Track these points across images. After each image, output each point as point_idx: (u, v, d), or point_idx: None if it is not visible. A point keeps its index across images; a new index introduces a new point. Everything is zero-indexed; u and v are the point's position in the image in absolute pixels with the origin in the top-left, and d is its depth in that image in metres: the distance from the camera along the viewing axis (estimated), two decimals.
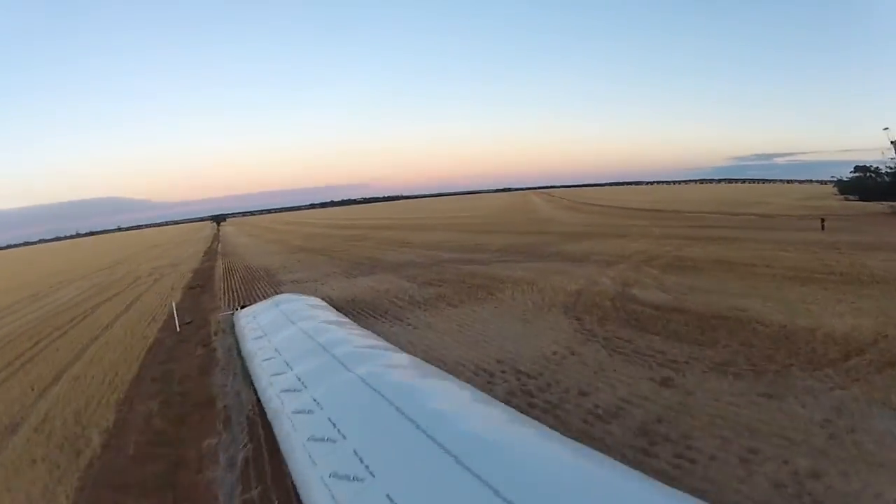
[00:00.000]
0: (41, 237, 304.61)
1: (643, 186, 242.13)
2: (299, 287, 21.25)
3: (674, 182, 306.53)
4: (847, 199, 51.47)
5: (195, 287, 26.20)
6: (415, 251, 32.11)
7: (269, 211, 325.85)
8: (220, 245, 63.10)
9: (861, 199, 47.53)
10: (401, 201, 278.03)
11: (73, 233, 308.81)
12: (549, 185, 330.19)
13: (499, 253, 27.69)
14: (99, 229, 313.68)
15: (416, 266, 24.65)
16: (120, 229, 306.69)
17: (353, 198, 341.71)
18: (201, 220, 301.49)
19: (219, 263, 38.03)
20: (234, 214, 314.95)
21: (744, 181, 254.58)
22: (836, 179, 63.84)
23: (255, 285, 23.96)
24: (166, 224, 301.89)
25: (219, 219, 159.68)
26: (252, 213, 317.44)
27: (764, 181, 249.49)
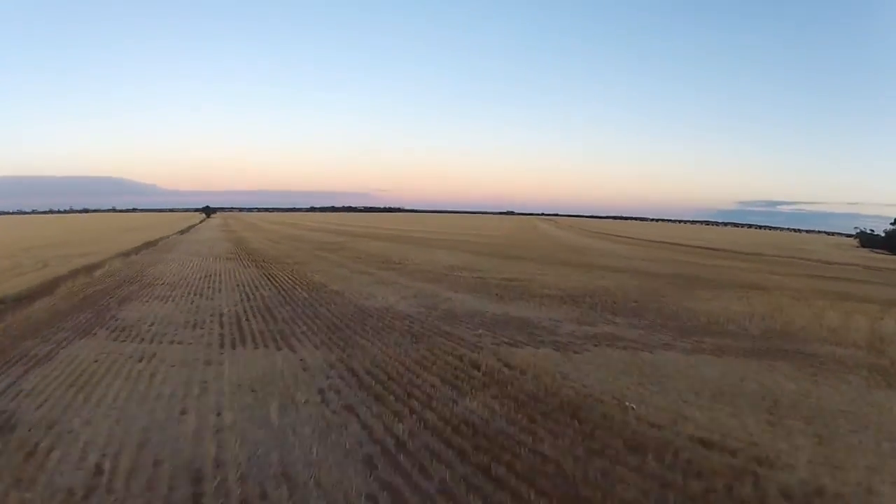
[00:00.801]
0: (34, 209, 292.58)
1: (651, 223, 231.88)
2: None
3: (681, 221, 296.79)
4: (872, 252, 55.31)
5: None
6: (407, 279, 20.19)
7: (270, 209, 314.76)
8: (176, 236, 51.01)
9: (892, 253, 52.20)
10: (401, 213, 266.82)
11: (68, 208, 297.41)
12: (552, 212, 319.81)
13: (569, 305, 15.44)
14: (93, 208, 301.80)
15: (391, 329, 11.60)
16: (115, 210, 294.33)
17: (353, 205, 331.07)
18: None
19: (133, 259, 26.04)
20: (234, 209, 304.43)
21: (749, 226, 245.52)
22: (858, 232, 71.81)
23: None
24: (168, 210, 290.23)
25: (208, 211, 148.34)
26: (252, 210, 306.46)
27: (769, 227, 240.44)
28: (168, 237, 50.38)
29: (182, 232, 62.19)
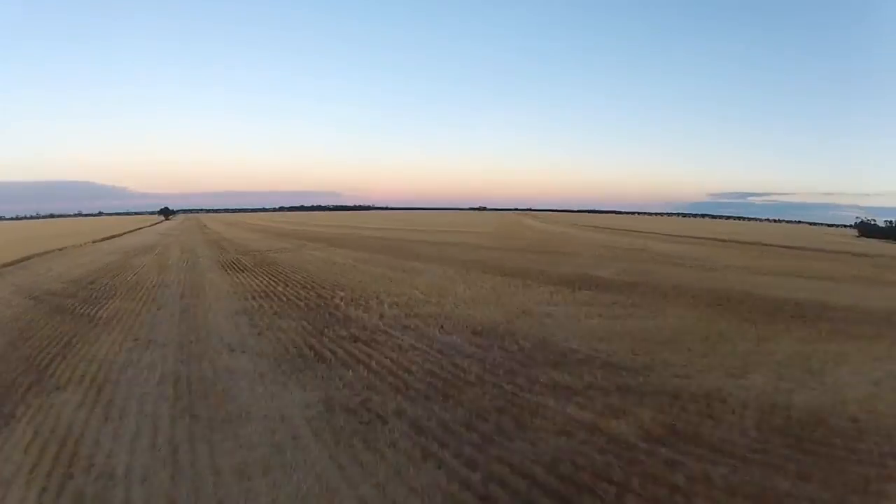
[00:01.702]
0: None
1: (626, 216, 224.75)
2: None
3: (656, 214, 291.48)
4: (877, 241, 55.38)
5: None
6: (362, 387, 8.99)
7: (240, 210, 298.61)
8: (93, 245, 38.55)
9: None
10: (372, 211, 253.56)
11: (34, 213, 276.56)
12: (525, 207, 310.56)
13: None
14: (59, 213, 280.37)
15: None
16: (81, 214, 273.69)
17: (323, 204, 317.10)
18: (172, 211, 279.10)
19: None
20: (203, 210, 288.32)
21: (727, 217, 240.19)
22: (859, 222, 73.75)
23: None
24: (135, 213, 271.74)
25: (167, 212, 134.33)
26: (220, 211, 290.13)
27: (745, 219, 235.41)
28: (82, 245, 38.55)
29: (107, 238, 49.62)
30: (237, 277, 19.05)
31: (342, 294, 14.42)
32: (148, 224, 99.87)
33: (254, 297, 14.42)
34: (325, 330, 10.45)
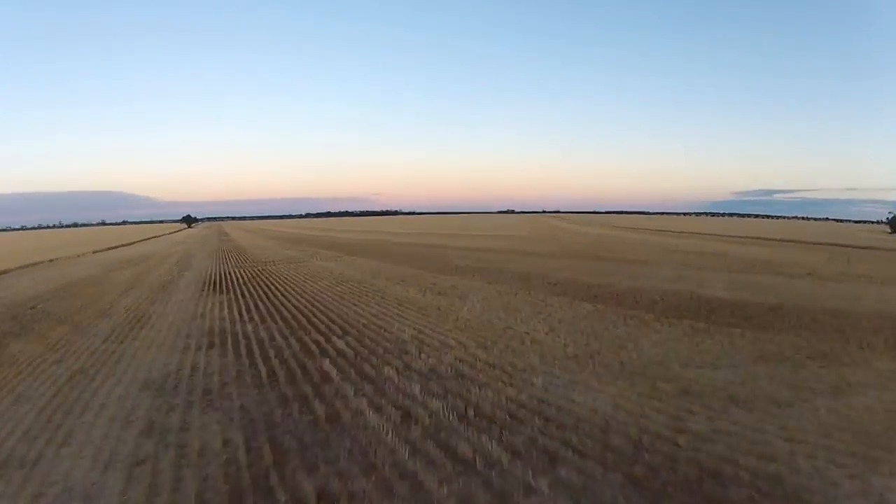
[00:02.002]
0: (23, 224, 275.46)
1: (655, 217, 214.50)
2: None
3: (683, 214, 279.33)
4: None
5: None
6: None
7: (264, 217, 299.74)
8: (77, 258, 34.13)
9: None
10: (398, 217, 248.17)
11: (58, 223, 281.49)
12: (552, 210, 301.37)
13: None
14: (83, 222, 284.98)
15: None
16: (104, 223, 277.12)
17: (350, 210, 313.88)
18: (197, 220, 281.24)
19: None
20: (228, 218, 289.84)
21: (753, 216, 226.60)
22: (893, 217, 68.28)
23: None
24: (159, 222, 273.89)
25: (189, 220, 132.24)
26: (245, 218, 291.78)
27: (771, 217, 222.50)
28: (78, 256, 34.81)
29: (111, 248, 45.77)
30: (208, 303, 13.62)
31: (340, 345, 8.64)
32: (168, 232, 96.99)
33: (200, 347, 8.87)
34: (276, 472, 4.73)
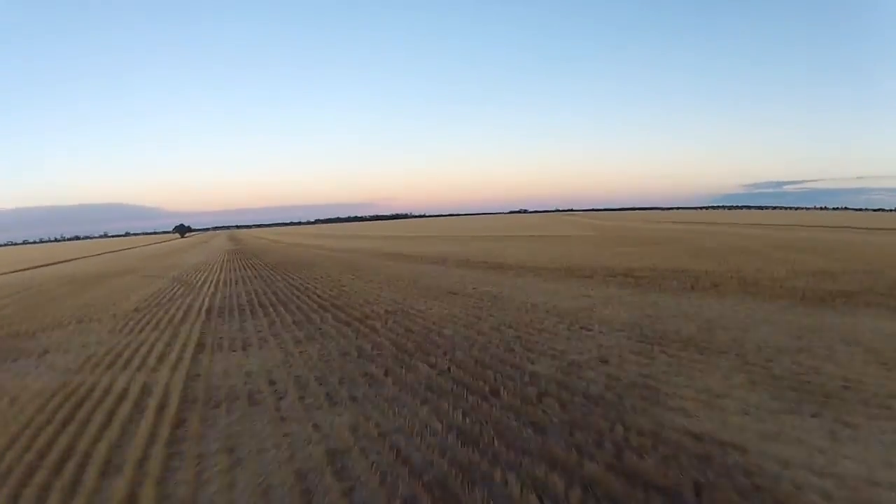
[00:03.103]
0: (25, 239, 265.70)
1: (669, 212, 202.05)
2: None
3: (697, 208, 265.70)
4: None
5: None
6: None
7: (271, 225, 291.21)
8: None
9: None
10: (409, 220, 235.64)
11: (59, 236, 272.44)
12: (566, 208, 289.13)
13: None
14: (83, 235, 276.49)
15: None
16: (106, 236, 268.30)
17: (359, 215, 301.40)
18: (205, 230, 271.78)
19: None
20: (235, 227, 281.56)
21: (766, 208, 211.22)
22: None
23: None
24: (157, 233, 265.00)
25: (182, 230, 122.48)
26: (252, 227, 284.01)
27: (784, 208, 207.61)
28: None
29: (55, 263, 35.64)
30: None
31: None
32: (152, 243, 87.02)
33: None
34: None
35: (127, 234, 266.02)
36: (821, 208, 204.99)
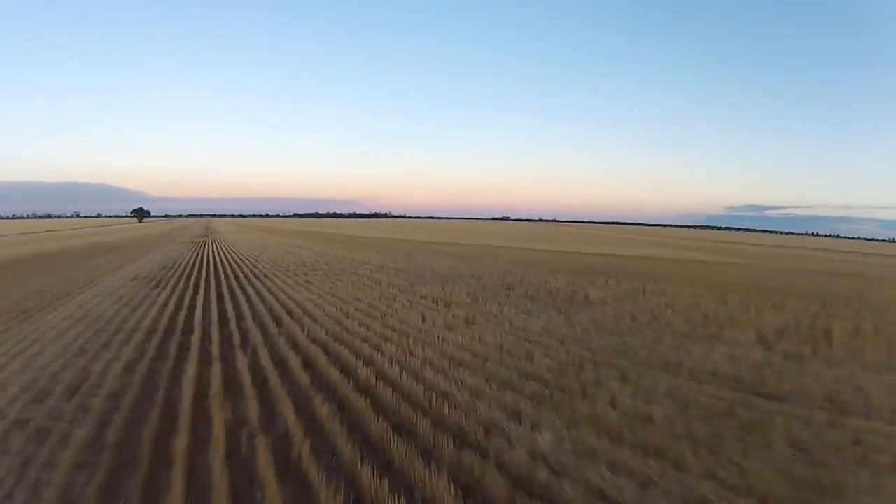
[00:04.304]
0: (13, 213, 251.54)
1: (649, 228, 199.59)
2: None
3: (679, 226, 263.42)
4: None
5: None
6: None
7: (250, 216, 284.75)
8: None
9: None
10: (387, 220, 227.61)
11: (31, 213, 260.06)
12: (549, 218, 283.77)
13: None
14: (56, 213, 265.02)
15: None
16: (77, 216, 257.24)
17: (340, 212, 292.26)
18: (180, 216, 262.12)
19: None
20: (216, 216, 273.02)
21: (748, 231, 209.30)
22: None
23: None
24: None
25: (140, 214, 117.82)
26: (237, 216, 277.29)
27: (766, 231, 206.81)
28: None
29: None
30: None
31: None
32: (99, 227, 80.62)
33: None
34: None
35: (99, 216, 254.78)
36: (814, 234, 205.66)
